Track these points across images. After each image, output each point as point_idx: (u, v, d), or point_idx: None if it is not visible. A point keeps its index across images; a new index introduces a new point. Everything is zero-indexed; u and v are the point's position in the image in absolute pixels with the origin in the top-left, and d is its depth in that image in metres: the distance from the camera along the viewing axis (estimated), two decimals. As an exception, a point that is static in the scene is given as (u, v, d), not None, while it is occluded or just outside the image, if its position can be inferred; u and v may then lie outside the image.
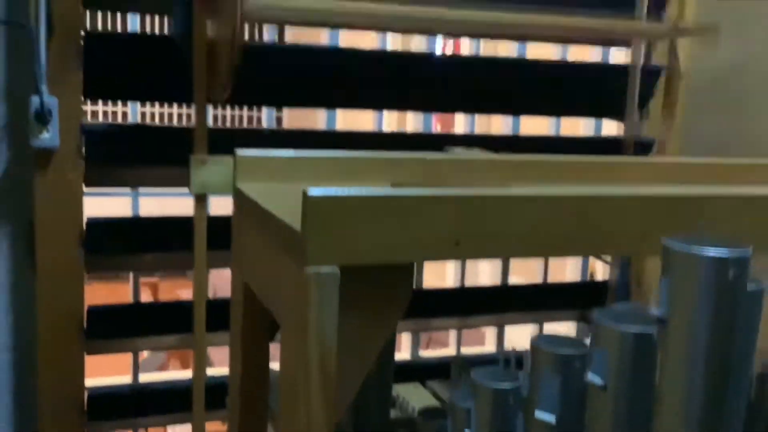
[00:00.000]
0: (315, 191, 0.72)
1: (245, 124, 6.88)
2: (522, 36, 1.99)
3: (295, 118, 4.64)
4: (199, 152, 1.59)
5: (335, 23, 1.77)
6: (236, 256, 1.03)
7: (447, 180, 1.04)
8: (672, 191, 0.83)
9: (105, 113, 6.27)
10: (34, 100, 1.61)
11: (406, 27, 1.83)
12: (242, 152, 0.97)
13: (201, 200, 1.63)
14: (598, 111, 2.27)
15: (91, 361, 1.79)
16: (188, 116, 5.70)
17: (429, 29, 1.91)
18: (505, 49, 2.20)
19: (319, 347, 0.75)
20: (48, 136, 1.64)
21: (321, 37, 2.10)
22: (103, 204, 1.99)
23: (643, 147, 2.17)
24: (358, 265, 0.75)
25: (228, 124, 6.70)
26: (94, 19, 2.32)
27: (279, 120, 2.29)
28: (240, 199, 0.93)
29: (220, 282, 2.69)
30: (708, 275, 0.63)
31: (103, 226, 1.78)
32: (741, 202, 0.84)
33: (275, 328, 1.01)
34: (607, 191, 0.82)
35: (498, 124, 2.43)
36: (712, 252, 0.62)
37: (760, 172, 1.20)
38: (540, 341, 0.82)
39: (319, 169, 1.01)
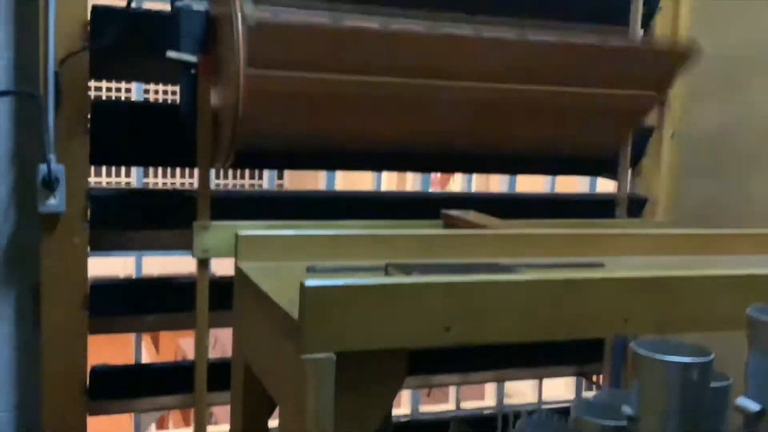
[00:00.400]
0: (311, 282, 0.76)
1: (247, 185, 6.95)
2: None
3: (297, 178, 4.71)
4: (201, 218, 1.64)
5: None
6: (237, 335, 1.07)
7: (440, 256, 1.08)
8: (650, 274, 0.87)
9: (109, 175, 6.36)
10: (42, 168, 1.66)
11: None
12: (244, 232, 1.01)
13: (203, 264, 1.66)
14: (592, 170, 2.31)
15: (92, 421, 1.81)
16: (191, 177, 5.75)
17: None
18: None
19: (316, 430, 0.78)
20: (55, 203, 1.69)
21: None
22: (107, 262, 2.03)
23: (636, 204, 2.22)
24: (354, 351, 0.78)
25: (230, 185, 6.79)
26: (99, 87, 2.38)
27: (280, 185, 2.34)
28: (241, 279, 0.97)
29: (222, 335, 2.72)
30: (673, 379, 0.66)
31: (106, 288, 1.82)
32: (711, 281, 0.88)
33: (274, 405, 1.04)
34: (590, 275, 0.86)
35: (495, 181, 2.47)
36: (677, 358, 0.66)
37: (744, 242, 1.24)
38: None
39: (318, 247, 1.05)
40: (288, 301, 0.84)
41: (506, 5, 1.94)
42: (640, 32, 2.18)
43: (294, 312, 0.79)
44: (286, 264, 1.03)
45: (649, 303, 0.87)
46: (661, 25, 2.21)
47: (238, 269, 1.00)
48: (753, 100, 2.01)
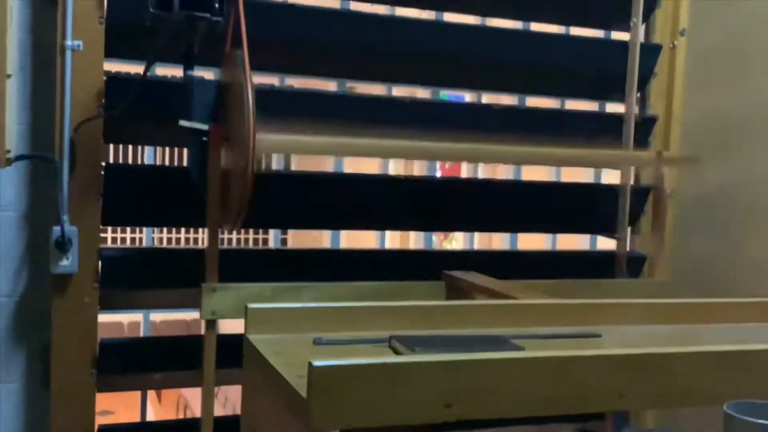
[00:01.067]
0: (319, 363, 0.79)
1: (251, 240, 7.00)
2: (518, 162, 2.10)
3: (301, 233, 4.75)
4: (210, 280, 1.68)
5: (340, 154, 1.88)
6: (246, 405, 1.10)
7: (441, 326, 1.12)
8: (644, 351, 0.90)
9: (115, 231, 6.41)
10: (56, 230, 1.71)
11: (407, 156, 1.94)
12: (253, 305, 1.05)
13: (211, 325, 1.70)
14: (591, 228, 2.36)
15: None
16: (195, 233, 5.77)
17: (429, 157, 2.02)
18: (502, 170, 2.32)
19: (322, 503, 0.81)
20: (67, 264, 1.73)
21: (326, 162, 2.22)
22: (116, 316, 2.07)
23: (635, 261, 2.26)
24: (360, 427, 0.82)
25: (234, 244, 6.83)
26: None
27: (284, 240, 2.39)
28: (251, 352, 1.01)
29: (232, 393, 2.73)
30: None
31: (115, 347, 1.86)
32: (703, 357, 0.91)
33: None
34: (586, 353, 0.90)
35: (498, 238, 2.52)
36: None
37: (736, 310, 1.28)
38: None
39: (323, 320, 1.09)
40: (296, 378, 0.88)
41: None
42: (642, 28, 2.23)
43: (302, 390, 0.83)
44: (293, 336, 1.07)
45: (644, 379, 0.90)
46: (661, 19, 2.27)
47: (247, 341, 1.04)
48: (748, 161, 2.06)
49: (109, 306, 1.84)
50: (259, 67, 2.00)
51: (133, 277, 1.87)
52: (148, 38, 1.58)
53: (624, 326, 1.23)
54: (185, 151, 1.89)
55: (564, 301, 1.24)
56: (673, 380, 0.91)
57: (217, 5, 1.54)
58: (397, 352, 1.03)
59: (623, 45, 2.22)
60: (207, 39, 1.60)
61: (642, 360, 0.90)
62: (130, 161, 5.68)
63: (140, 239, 5.29)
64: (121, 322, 4.43)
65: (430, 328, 1.13)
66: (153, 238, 2.18)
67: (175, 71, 1.85)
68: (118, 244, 5.20)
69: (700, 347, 0.93)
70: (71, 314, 1.77)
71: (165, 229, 6.76)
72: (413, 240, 3.38)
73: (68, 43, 1.70)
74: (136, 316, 2.08)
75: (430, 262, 2.17)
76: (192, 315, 1.82)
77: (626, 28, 2.22)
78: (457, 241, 3.69)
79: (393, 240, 3.36)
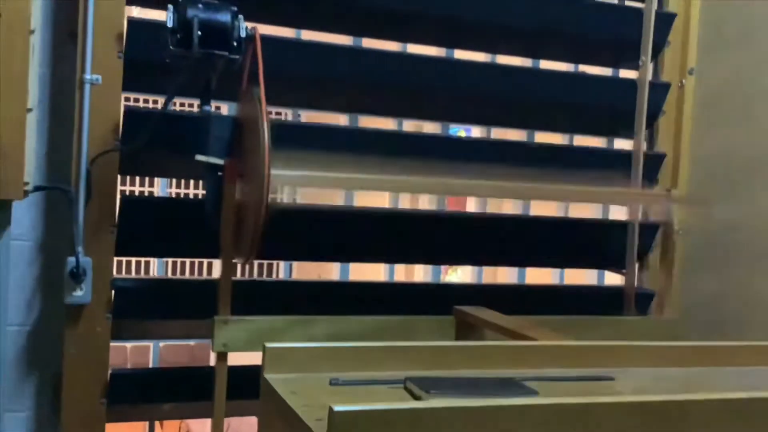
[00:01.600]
0: (339, 408, 0.81)
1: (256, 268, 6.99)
2: (527, 198, 2.12)
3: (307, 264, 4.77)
4: (222, 312, 1.69)
5: (352, 189, 1.90)
6: (262, 444, 1.11)
7: (455, 367, 1.13)
8: (663, 398, 0.91)
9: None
10: (71, 260, 1.73)
11: (417, 191, 1.96)
12: (270, 345, 1.07)
13: (222, 358, 1.71)
14: (599, 263, 2.37)
15: None
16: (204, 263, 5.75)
17: (438, 192, 2.05)
18: (510, 205, 2.33)
19: None
20: (81, 294, 1.75)
21: (335, 194, 2.24)
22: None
23: (644, 298, 2.26)
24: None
25: (239, 270, 6.76)
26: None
27: (290, 267, 2.44)
28: (268, 392, 1.02)
29: (234, 421, 2.73)
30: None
31: (125, 377, 1.87)
32: (725, 405, 0.92)
33: None
34: (605, 399, 0.91)
35: (504, 271, 2.53)
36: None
37: (747, 353, 1.29)
38: None
39: (340, 359, 1.10)
40: (315, 422, 0.89)
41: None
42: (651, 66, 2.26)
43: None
44: (310, 375, 1.08)
45: (661, 426, 0.91)
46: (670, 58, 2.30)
47: (265, 380, 1.05)
48: (755, 199, 2.07)
49: (120, 336, 1.85)
50: (273, 101, 2.04)
51: (145, 308, 1.89)
52: (166, 73, 1.60)
53: (636, 368, 1.24)
54: (192, 181, 1.91)
55: (576, 343, 1.25)
56: (690, 428, 0.92)
57: (235, 43, 1.57)
58: (412, 395, 1.04)
59: (632, 83, 2.24)
60: (224, 74, 1.63)
61: (659, 407, 0.91)
62: (140, 188, 5.70)
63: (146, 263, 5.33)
64: (124, 346, 4.44)
65: (443, 368, 1.14)
66: (164, 263, 2.21)
67: (190, 100, 1.89)
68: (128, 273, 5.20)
69: (718, 394, 0.94)
70: (83, 344, 1.78)
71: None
72: (421, 271, 3.39)
73: (87, 77, 1.74)
74: (142, 342, 2.09)
75: (438, 295, 2.19)
76: (197, 341, 1.83)
77: (635, 66, 2.24)
78: (462, 272, 3.70)
79: (401, 270, 3.37)
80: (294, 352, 1.09)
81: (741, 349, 1.30)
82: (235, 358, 1.78)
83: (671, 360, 1.25)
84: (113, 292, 1.82)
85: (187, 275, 5.25)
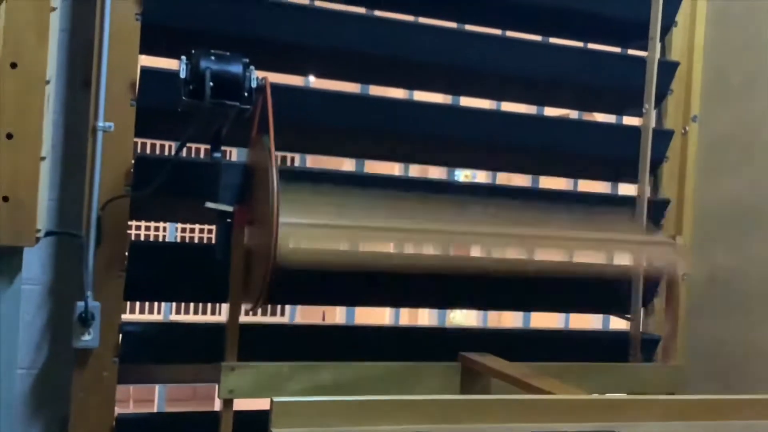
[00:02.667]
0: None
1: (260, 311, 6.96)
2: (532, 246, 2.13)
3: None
4: (229, 358, 1.70)
5: (358, 240, 1.92)
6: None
7: (462, 421, 1.14)
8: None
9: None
10: (80, 305, 1.74)
11: (425, 240, 1.97)
12: (278, 399, 1.08)
13: (228, 404, 1.71)
14: (604, 308, 2.38)
15: None
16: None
17: (445, 241, 2.06)
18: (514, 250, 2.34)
19: None
20: (89, 338, 1.76)
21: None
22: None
23: (648, 344, 2.27)
24: None
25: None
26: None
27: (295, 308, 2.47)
28: (276, 448, 1.03)
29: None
30: None
31: (132, 422, 1.87)
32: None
33: None
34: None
35: (509, 314, 2.53)
36: None
37: (750, 407, 1.29)
38: None
39: (348, 413, 1.11)
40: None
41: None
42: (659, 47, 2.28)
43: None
44: (318, 429, 1.09)
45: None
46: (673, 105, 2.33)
47: (273, 436, 1.06)
48: (759, 247, 2.09)
49: (126, 380, 1.86)
50: (282, 146, 2.08)
51: (152, 352, 1.89)
52: (178, 119, 1.63)
53: (642, 423, 1.24)
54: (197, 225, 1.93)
55: (581, 397, 1.26)
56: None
57: (246, 94, 1.60)
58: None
59: (636, 130, 2.27)
60: (235, 121, 1.66)
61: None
62: (145, 231, 5.75)
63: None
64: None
65: (450, 422, 1.15)
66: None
67: (201, 145, 1.91)
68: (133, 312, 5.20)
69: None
70: (90, 388, 1.79)
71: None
72: (426, 313, 3.40)
73: (100, 124, 1.77)
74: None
75: (443, 338, 2.20)
76: (203, 385, 1.83)
77: (639, 113, 2.28)
78: (467, 313, 3.70)
79: (406, 312, 3.38)
80: (301, 406, 1.10)
81: (745, 402, 1.31)
82: (242, 401, 1.78)
83: (677, 414, 1.25)
84: (121, 336, 1.83)
85: (191, 314, 5.26)
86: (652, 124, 2.27)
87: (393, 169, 2.34)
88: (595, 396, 1.25)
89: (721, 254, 2.21)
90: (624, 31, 2.30)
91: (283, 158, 5.28)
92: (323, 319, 5.35)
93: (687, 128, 2.30)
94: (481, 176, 2.61)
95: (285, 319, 2.43)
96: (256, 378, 1.69)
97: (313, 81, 2.16)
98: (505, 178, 3.08)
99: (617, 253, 2.12)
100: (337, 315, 2.61)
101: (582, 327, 2.55)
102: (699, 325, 2.24)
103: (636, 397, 1.27)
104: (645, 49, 2.27)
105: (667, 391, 1.99)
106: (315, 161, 2.55)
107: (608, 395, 1.25)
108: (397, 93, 2.30)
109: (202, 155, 1.79)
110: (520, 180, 2.46)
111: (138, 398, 5.74)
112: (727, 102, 2.22)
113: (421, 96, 2.25)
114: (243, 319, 1.74)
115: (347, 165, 2.28)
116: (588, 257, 2.28)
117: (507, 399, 1.21)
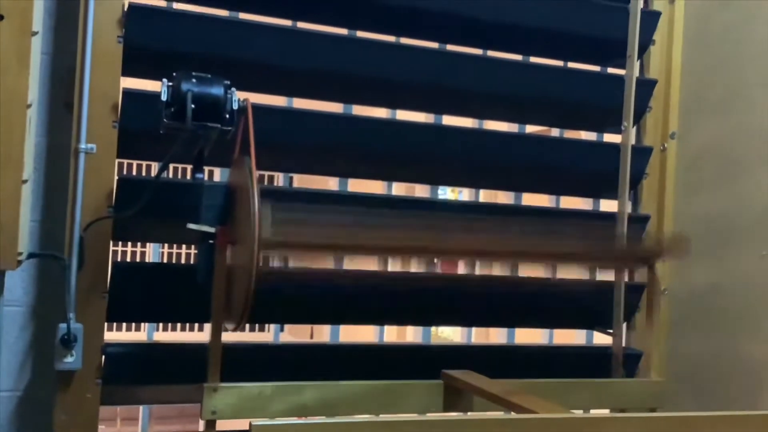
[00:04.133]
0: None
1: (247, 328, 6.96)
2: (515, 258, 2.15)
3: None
4: (212, 379, 1.70)
5: (341, 254, 1.93)
6: None
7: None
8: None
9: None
10: (62, 327, 1.74)
11: (407, 253, 1.99)
12: (257, 422, 1.08)
13: (211, 425, 1.71)
14: (587, 324, 2.39)
15: None
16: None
17: (427, 254, 2.07)
18: (498, 267, 2.36)
19: None
20: (71, 360, 1.76)
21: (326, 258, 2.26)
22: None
23: (631, 359, 2.28)
24: None
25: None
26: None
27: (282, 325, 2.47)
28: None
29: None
30: None
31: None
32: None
33: None
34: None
35: (496, 332, 2.54)
36: None
37: (728, 423, 1.31)
38: None
39: (327, 434, 1.12)
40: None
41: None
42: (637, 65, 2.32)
43: None
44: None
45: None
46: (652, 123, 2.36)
47: (252, 458, 1.07)
48: (737, 262, 2.11)
49: (109, 401, 1.86)
50: (265, 166, 2.09)
51: (135, 373, 1.89)
52: (160, 141, 1.64)
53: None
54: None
55: (561, 416, 1.27)
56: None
57: (227, 116, 1.62)
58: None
59: (616, 147, 2.30)
60: (217, 142, 1.67)
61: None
62: (132, 248, 5.74)
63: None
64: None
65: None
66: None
67: (184, 165, 1.92)
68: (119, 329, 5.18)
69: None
70: (73, 410, 1.79)
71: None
72: (411, 331, 3.41)
73: (82, 146, 1.78)
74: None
75: (428, 356, 2.20)
76: (187, 405, 1.84)
77: (618, 130, 2.30)
78: (452, 330, 3.70)
79: (391, 330, 3.38)
80: (280, 429, 1.11)
81: (725, 419, 1.32)
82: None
83: (658, 431, 1.27)
84: (104, 357, 1.83)
85: (178, 330, 5.25)
86: (632, 141, 2.30)
87: (378, 187, 2.35)
88: (575, 414, 1.26)
89: (701, 269, 2.23)
90: (603, 50, 2.33)
91: (270, 177, 5.31)
92: (311, 337, 5.35)
93: (666, 145, 2.33)
94: (467, 194, 2.63)
95: (269, 336, 2.42)
96: (239, 399, 1.69)
97: (295, 101, 2.18)
98: (492, 195, 3.11)
99: (598, 267, 2.14)
100: (324, 330, 2.61)
101: (566, 342, 2.56)
102: (680, 341, 2.26)
103: (615, 414, 1.28)
104: (624, 67, 2.30)
105: (648, 406, 2.01)
106: (302, 181, 2.56)
107: (591, 412, 1.26)
108: (381, 113, 2.32)
109: (188, 175, 1.79)
110: (504, 197, 2.48)
111: (126, 416, 5.71)
112: (705, 119, 2.25)
113: (404, 115, 2.27)
114: (227, 338, 1.74)
115: (332, 184, 2.29)
116: (571, 272, 2.31)
117: (486, 418, 1.22)
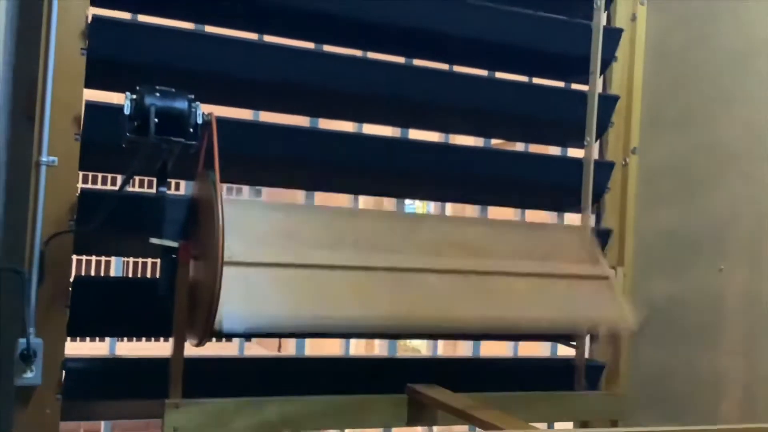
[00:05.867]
0: None
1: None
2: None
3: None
4: (173, 395, 1.68)
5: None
6: None
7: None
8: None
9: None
10: (21, 342, 1.71)
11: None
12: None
13: (173, 441, 1.70)
14: (550, 336, 2.42)
15: None
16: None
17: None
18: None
19: None
20: (31, 375, 1.73)
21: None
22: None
23: (593, 371, 2.31)
24: None
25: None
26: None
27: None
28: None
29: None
30: None
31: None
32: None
33: None
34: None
35: (462, 345, 2.56)
36: None
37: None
38: None
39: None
40: None
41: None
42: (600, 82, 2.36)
43: None
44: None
45: None
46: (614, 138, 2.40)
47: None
48: (697, 276, 2.15)
49: (70, 416, 1.83)
50: (231, 179, 2.08)
51: (96, 388, 1.87)
52: (123, 154, 1.62)
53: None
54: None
55: (526, 431, 1.28)
56: None
57: (191, 130, 1.61)
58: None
59: (578, 161, 2.33)
60: (181, 156, 1.66)
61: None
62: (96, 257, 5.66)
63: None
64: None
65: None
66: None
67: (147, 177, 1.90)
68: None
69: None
70: (32, 426, 1.76)
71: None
72: (378, 347, 3.41)
73: (43, 159, 1.76)
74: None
75: (394, 369, 2.21)
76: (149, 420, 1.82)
77: (581, 145, 2.34)
78: (421, 342, 3.71)
79: (358, 346, 3.38)
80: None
81: (682, 432, 1.35)
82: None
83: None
84: (64, 372, 1.80)
85: (143, 341, 5.17)
86: (594, 155, 2.34)
87: (345, 201, 2.35)
88: (537, 428, 1.27)
89: (661, 283, 2.26)
90: (566, 66, 2.36)
91: (239, 189, 5.28)
92: (279, 349, 5.32)
93: (627, 160, 2.36)
94: (435, 207, 2.65)
95: (234, 348, 2.41)
96: (201, 414, 1.68)
97: (261, 114, 2.18)
98: (459, 209, 3.13)
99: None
100: (290, 342, 2.61)
101: (531, 354, 2.58)
102: (642, 353, 2.29)
103: (578, 430, 1.29)
104: (587, 83, 2.33)
105: (611, 419, 2.03)
106: (271, 194, 2.56)
107: (555, 426, 1.27)
108: (347, 126, 2.33)
109: (151, 186, 1.78)
110: (471, 211, 2.50)
111: (89, 429, 5.62)
112: (665, 134, 2.29)
113: (370, 129, 2.28)
114: (191, 351, 1.73)
115: (300, 197, 2.29)
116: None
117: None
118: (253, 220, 1.86)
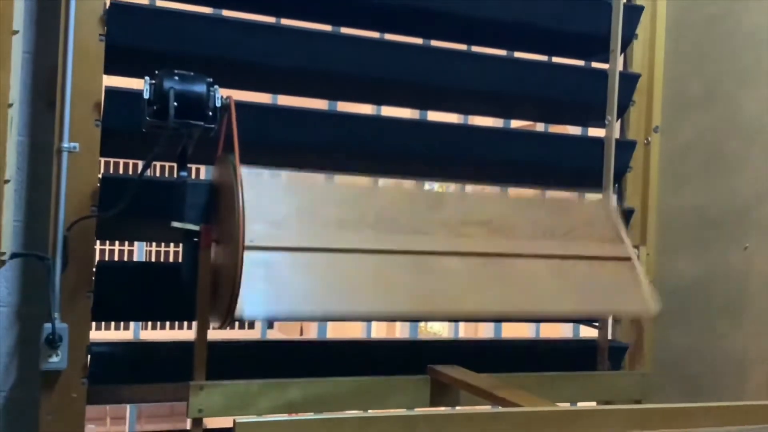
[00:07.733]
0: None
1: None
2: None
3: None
4: (197, 377, 1.70)
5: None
6: None
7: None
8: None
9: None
10: (47, 326, 1.73)
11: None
12: (241, 420, 1.08)
13: (198, 423, 1.71)
14: (574, 318, 2.41)
15: None
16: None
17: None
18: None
19: None
20: (57, 360, 1.75)
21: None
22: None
23: (616, 352, 2.30)
24: None
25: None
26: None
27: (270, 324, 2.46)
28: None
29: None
30: None
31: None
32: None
33: None
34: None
35: (483, 326, 2.55)
36: None
37: (712, 414, 1.32)
38: None
39: (313, 431, 1.12)
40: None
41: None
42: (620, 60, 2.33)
43: None
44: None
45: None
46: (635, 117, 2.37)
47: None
48: (721, 255, 2.12)
49: (96, 401, 1.85)
50: (250, 163, 2.08)
51: (121, 372, 1.89)
52: (144, 139, 1.63)
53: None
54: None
55: (547, 409, 1.27)
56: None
57: (210, 113, 1.61)
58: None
59: (600, 141, 2.31)
60: (201, 140, 1.66)
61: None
62: (120, 247, 5.72)
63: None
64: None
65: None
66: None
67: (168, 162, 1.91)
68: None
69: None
70: (58, 410, 1.78)
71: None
72: (399, 328, 3.41)
73: (65, 145, 1.77)
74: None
75: (416, 351, 2.21)
76: (174, 403, 1.83)
77: (603, 125, 2.31)
78: (441, 324, 3.71)
79: (379, 328, 3.39)
80: (264, 426, 1.11)
81: (710, 410, 1.33)
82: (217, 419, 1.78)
83: (643, 423, 1.27)
84: (89, 357, 1.82)
85: (167, 328, 5.22)
86: (616, 135, 2.31)
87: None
88: (562, 407, 1.27)
89: (685, 262, 2.24)
90: (586, 44, 2.34)
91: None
92: (301, 333, 5.34)
93: (650, 138, 2.34)
94: (455, 189, 2.64)
95: (257, 333, 2.42)
96: (225, 396, 1.69)
97: (280, 98, 2.18)
98: (479, 190, 3.11)
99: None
100: (312, 326, 2.62)
101: (553, 335, 2.57)
102: (666, 333, 2.27)
103: (603, 407, 1.29)
104: (607, 62, 2.31)
105: (634, 399, 2.02)
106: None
107: (578, 405, 1.27)
108: (366, 109, 2.32)
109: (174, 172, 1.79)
110: (490, 191, 2.49)
111: (115, 416, 5.69)
112: (688, 112, 2.26)
113: (389, 111, 2.27)
114: (214, 335, 1.74)
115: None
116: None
117: (470, 412, 1.22)
118: (274, 201, 1.85)
